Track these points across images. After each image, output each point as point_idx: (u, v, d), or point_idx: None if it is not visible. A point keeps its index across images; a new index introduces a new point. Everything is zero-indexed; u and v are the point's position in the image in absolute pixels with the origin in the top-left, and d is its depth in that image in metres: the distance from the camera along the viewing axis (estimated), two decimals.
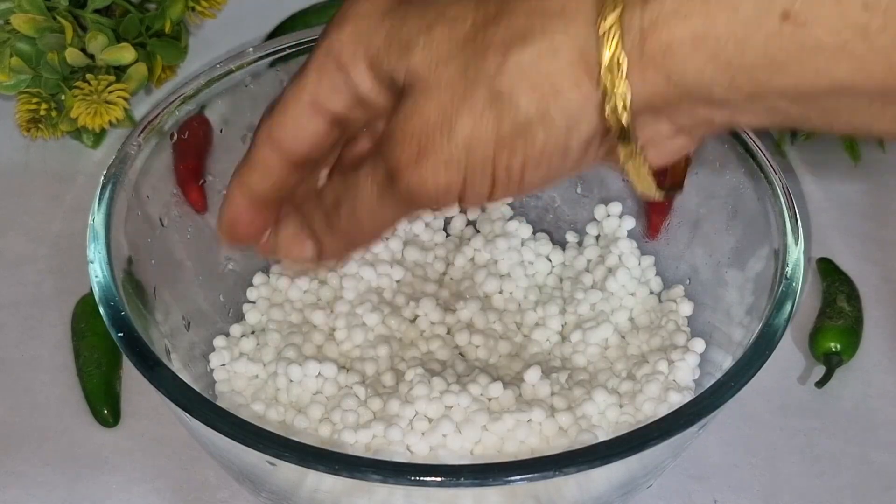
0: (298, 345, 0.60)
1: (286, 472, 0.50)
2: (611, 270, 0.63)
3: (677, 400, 0.56)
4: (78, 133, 0.77)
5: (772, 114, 0.43)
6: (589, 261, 0.65)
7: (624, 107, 0.43)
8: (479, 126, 0.44)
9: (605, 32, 0.42)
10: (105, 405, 0.64)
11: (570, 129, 0.43)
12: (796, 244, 0.56)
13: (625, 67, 0.42)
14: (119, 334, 0.52)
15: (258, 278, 0.64)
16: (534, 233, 0.66)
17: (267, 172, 0.51)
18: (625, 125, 0.43)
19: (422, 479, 0.47)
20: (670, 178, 0.49)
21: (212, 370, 0.59)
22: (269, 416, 0.57)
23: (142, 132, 0.59)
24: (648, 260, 0.64)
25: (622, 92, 0.42)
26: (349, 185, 0.48)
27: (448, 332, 0.62)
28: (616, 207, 0.65)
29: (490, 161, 0.44)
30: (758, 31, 0.40)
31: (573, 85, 0.43)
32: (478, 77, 0.44)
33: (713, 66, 0.41)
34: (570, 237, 0.66)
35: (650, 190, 0.46)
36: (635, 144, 0.44)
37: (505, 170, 0.44)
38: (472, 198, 0.46)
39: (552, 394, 0.57)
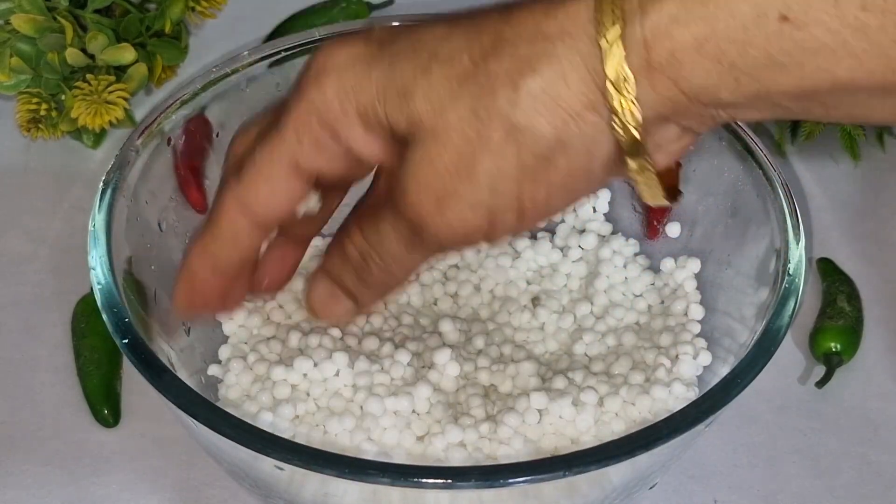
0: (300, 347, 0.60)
1: (296, 477, 0.50)
2: (615, 268, 0.63)
3: (682, 395, 0.56)
4: (78, 133, 0.77)
5: (775, 110, 0.43)
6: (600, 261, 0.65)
7: (635, 121, 0.42)
8: (501, 163, 0.43)
9: (607, 49, 0.42)
10: (105, 405, 0.64)
11: (591, 151, 0.43)
12: (797, 241, 0.56)
13: (632, 81, 0.42)
14: (123, 340, 0.52)
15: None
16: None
17: (235, 240, 0.49)
18: (638, 139, 0.43)
19: (430, 481, 0.47)
20: (666, 182, 0.48)
21: (213, 375, 0.59)
22: (277, 422, 0.56)
23: (139, 137, 0.59)
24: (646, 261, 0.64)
25: (630, 107, 0.42)
26: (373, 243, 0.48)
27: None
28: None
29: (515, 196, 0.44)
30: (758, 34, 0.40)
31: (587, 107, 0.43)
32: (491, 114, 0.43)
33: (718, 68, 0.41)
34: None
35: (658, 197, 0.46)
36: (647, 157, 0.44)
37: (531, 202, 0.44)
38: (500, 233, 0.45)
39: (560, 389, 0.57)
